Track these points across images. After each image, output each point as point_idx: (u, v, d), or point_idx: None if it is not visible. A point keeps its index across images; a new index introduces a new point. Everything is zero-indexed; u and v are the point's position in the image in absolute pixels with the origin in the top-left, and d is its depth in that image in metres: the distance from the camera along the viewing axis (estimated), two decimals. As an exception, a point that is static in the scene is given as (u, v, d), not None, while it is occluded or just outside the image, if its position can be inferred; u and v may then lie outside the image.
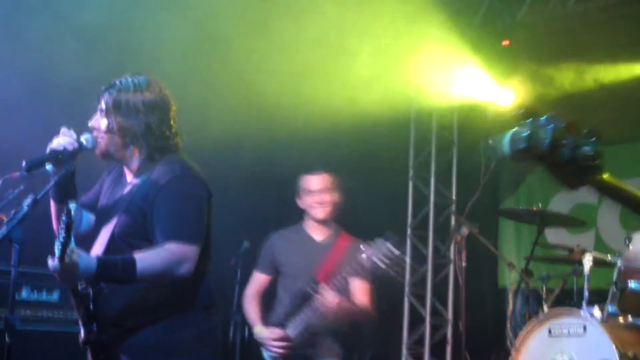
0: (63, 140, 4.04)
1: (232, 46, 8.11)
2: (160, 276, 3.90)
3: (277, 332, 6.04)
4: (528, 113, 2.24)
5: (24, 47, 7.44)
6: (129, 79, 4.17)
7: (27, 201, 3.87)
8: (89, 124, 4.18)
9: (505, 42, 9.66)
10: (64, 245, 3.56)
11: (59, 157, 3.99)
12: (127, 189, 4.18)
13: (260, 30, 8.14)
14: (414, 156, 10.57)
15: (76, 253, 3.64)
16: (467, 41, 9.53)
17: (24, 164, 3.93)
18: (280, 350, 6.01)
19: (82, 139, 4.09)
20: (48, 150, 4.01)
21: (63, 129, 4.09)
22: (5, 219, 3.92)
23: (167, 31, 7.66)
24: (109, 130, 4.12)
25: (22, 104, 7.34)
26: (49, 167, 4.07)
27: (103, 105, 4.14)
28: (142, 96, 4.12)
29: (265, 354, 6.17)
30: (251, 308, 6.46)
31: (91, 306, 3.94)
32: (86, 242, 4.27)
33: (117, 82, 4.16)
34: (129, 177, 4.23)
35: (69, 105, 6.94)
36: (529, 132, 2.20)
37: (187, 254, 3.92)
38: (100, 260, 3.78)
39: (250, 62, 8.25)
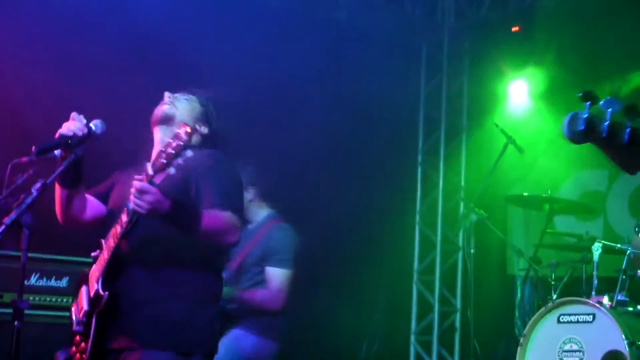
0: (73, 125, 4.03)
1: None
2: (217, 235, 4.07)
3: None
4: (587, 96, 2.22)
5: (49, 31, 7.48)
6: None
7: (37, 186, 3.87)
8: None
9: (515, 28, 9.62)
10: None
11: (68, 142, 3.98)
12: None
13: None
14: (423, 141, 10.53)
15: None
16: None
17: (33, 148, 3.91)
18: None
19: (92, 124, 4.09)
20: (57, 135, 4.00)
21: (73, 114, 4.08)
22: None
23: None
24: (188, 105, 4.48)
25: (37, 90, 7.35)
26: (57, 152, 4.06)
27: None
28: (207, 104, 4.58)
29: None
30: None
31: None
32: (98, 228, 4.30)
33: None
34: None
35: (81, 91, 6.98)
36: (587, 114, 2.19)
37: (237, 224, 4.14)
38: (173, 200, 3.89)
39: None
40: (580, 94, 2.24)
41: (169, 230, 3.97)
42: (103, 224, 4.37)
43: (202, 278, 4.17)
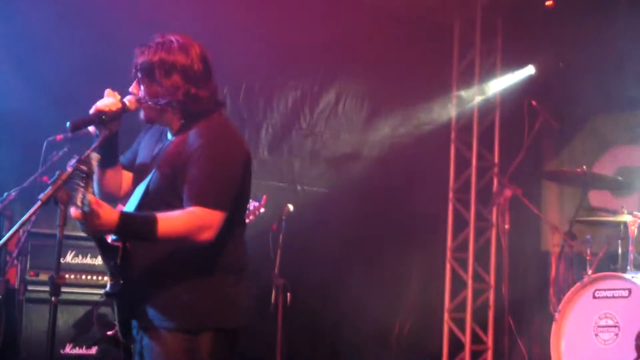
0: (107, 101, 4.01)
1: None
2: (181, 239, 3.86)
3: None
4: None
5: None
6: (161, 40, 4.08)
7: (72, 162, 3.87)
8: (130, 89, 4.13)
9: (549, 3, 9.52)
10: (83, 194, 3.53)
11: (102, 118, 3.97)
12: (165, 145, 4.15)
13: None
14: (456, 119, 10.48)
15: (99, 204, 3.63)
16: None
17: (68, 124, 3.91)
18: None
19: (126, 100, 4.07)
20: (92, 111, 3.99)
21: (107, 90, 4.07)
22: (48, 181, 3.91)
23: None
24: (145, 96, 4.07)
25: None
26: (92, 128, 4.06)
27: (135, 69, 4.09)
28: (175, 58, 4.02)
29: None
30: None
31: (118, 261, 3.94)
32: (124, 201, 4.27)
33: (151, 43, 4.07)
34: (170, 134, 4.20)
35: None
36: None
37: (211, 220, 3.86)
38: (122, 214, 3.75)
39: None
40: None
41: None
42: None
43: (208, 255, 3.98)
